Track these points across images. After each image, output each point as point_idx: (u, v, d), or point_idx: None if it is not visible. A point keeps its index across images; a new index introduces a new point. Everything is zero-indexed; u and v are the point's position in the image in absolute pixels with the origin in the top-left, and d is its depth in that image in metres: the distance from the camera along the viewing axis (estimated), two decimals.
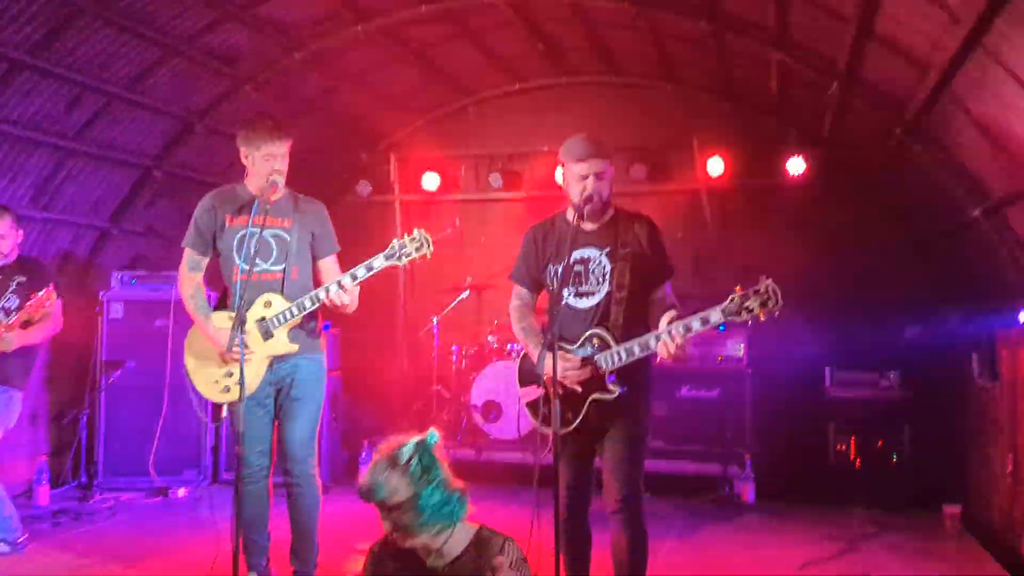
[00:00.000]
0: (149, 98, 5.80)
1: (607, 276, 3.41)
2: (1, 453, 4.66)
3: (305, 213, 3.95)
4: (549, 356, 3.10)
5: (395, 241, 3.66)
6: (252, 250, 3.64)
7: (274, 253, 3.84)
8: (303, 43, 6.08)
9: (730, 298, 3.13)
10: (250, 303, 3.73)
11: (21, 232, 4.83)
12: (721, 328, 6.21)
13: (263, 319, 3.77)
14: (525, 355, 3.61)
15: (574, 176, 3.42)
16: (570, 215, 3.50)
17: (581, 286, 3.45)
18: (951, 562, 4.79)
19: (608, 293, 3.40)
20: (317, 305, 3.77)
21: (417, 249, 3.63)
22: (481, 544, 2.48)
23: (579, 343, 3.39)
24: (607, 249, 3.45)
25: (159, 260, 6.75)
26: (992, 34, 3.51)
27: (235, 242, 3.83)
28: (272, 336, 3.77)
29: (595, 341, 3.36)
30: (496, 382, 6.62)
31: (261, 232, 3.71)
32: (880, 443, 6.04)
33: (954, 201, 5.21)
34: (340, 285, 3.69)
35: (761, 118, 7.16)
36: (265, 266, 3.81)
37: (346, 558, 4.57)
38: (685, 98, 7.43)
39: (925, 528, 5.38)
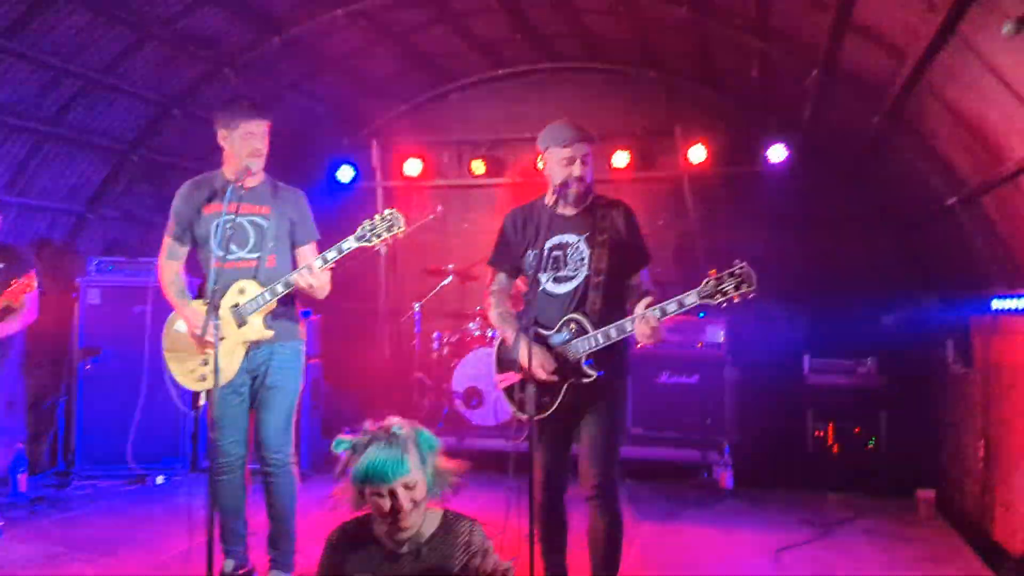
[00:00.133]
0: (126, 82, 5.73)
1: (585, 261, 3.43)
2: None
3: (284, 201, 3.92)
4: (522, 344, 3.11)
5: (366, 222, 3.63)
6: (226, 236, 3.61)
7: (250, 240, 3.81)
8: (283, 27, 6.03)
9: (705, 281, 3.16)
10: (224, 290, 3.71)
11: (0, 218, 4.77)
12: (701, 315, 6.35)
13: (236, 306, 3.75)
14: (502, 341, 3.62)
15: (559, 161, 3.43)
16: (549, 200, 3.51)
17: (559, 271, 3.46)
18: (925, 546, 4.85)
19: (586, 278, 3.42)
20: (290, 290, 3.73)
21: (388, 229, 3.60)
22: (449, 527, 2.48)
23: (556, 328, 3.40)
24: (585, 235, 3.46)
25: (137, 246, 6.69)
26: (967, 22, 3.53)
27: (211, 229, 3.80)
28: (246, 323, 3.75)
29: (572, 326, 3.38)
30: (477, 369, 6.63)
31: (236, 218, 3.68)
32: (857, 429, 6.10)
33: (931, 189, 5.25)
34: (310, 268, 3.66)
35: (743, 105, 7.18)
36: (240, 253, 3.79)
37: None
38: (667, 85, 7.44)
39: (900, 512, 5.44)
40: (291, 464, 3.87)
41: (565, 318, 3.39)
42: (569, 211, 3.51)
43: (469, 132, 7.95)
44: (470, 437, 6.53)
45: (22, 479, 5.71)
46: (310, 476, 6.11)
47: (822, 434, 6.18)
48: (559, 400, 3.36)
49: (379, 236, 3.60)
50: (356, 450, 2.40)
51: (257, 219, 3.83)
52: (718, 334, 6.36)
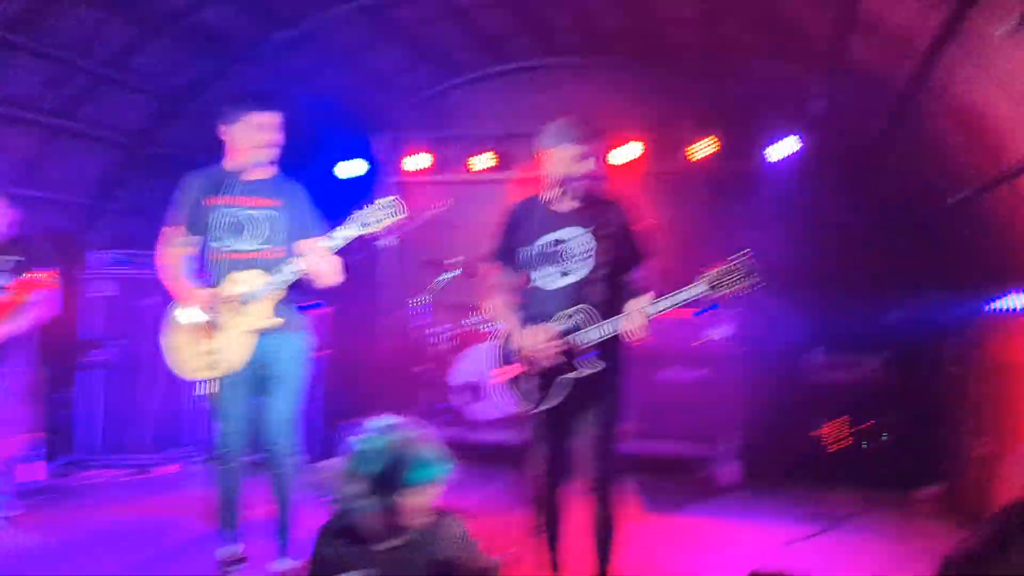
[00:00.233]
0: (134, 77, 5.78)
1: (589, 254, 3.44)
2: None
3: (289, 195, 3.94)
4: (524, 334, 3.13)
5: (365, 207, 3.65)
6: (231, 227, 3.64)
7: (255, 231, 3.83)
8: (290, 21, 6.05)
9: (710, 273, 3.17)
10: (231, 280, 3.73)
11: (12, 211, 4.76)
12: (710, 307, 6.34)
13: (243, 294, 3.76)
14: (503, 334, 3.63)
15: (569, 157, 3.43)
16: (549, 196, 3.52)
17: (560, 265, 3.47)
18: (931, 541, 4.84)
19: (588, 272, 3.43)
20: (295, 277, 3.75)
21: (389, 215, 3.62)
22: (436, 521, 2.48)
23: (560, 319, 3.41)
24: (589, 228, 3.47)
25: (145, 239, 6.71)
26: (972, 17, 3.51)
27: (216, 220, 3.83)
28: (253, 312, 3.77)
29: (578, 317, 3.39)
30: (478, 363, 6.64)
31: (241, 210, 3.71)
32: (863, 425, 6.08)
33: (936, 186, 5.23)
34: (315, 250, 3.66)
35: (750, 101, 7.14)
36: (245, 244, 3.81)
37: None
38: (674, 80, 7.40)
39: (905, 508, 5.45)
40: (295, 455, 3.90)
41: (571, 309, 3.40)
42: (570, 206, 3.53)
43: (476, 126, 7.95)
44: (470, 431, 6.55)
45: (33, 469, 5.77)
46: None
47: (830, 429, 6.17)
48: (557, 393, 3.37)
49: (379, 222, 3.61)
50: (395, 447, 2.38)
51: (262, 211, 3.85)
52: (726, 329, 6.34)
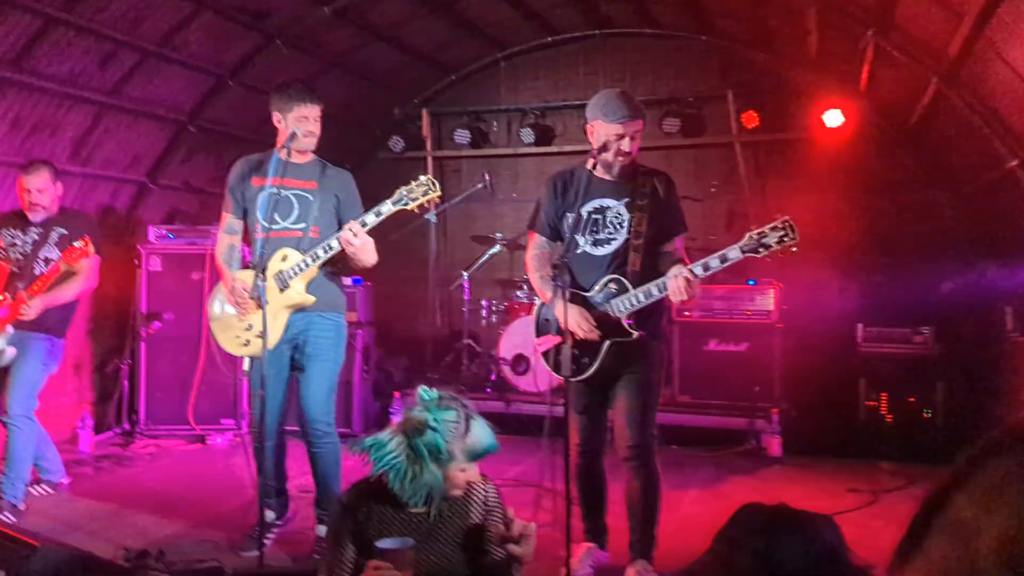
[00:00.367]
0: (182, 54, 5.87)
1: (625, 225, 3.44)
2: (47, 400, 4.84)
3: (331, 179, 4.02)
4: (564, 303, 3.15)
5: (402, 188, 3.72)
6: (273, 206, 3.72)
7: (295, 212, 3.91)
8: None
9: (748, 236, 3.16)
10: (269, 257, 3.82)
11: (60, 186, 4.90)
12: (751, 282, 6.28)
13: (280, 272, 3.84)
14: (542, 304, 3.65)
15: (609, 135, 3.43)
16: (590, 165, 3.52)
17: (599, 234, 3.48)
18: None
19: (626, 240, 3.44)
20: (332, 255, 3.81)
21: (424, 193, 3.67)
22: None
23: (596, 288, 3.42)
24: (626, 199, 3.48)
25: (195, 214, 6.89)
26: None
27: (259, 200, 3.91)
28: (288, 288, 3.85)
29: (612, 286, 3.40)
30: (525, 336, 6.65)
31: (282, 190, 3.79)
32: (912, 399, 5.97)
33: (991, 152, 5.08)
34: (351, 229, 3.70)
35: (796, 70, 7.01)
36: (285, 223, 3.89)
37: None
38: (719, 50, 7.30)
39: None
40: (330, 433, 3.97)
41: (605, 278, 3.42)
42: (610, 176, 3.53)
43: (518, 101, 7.95)
44: (516, 403, 6.60)
45: (88, 437, 5.98)
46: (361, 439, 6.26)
47: (875, 404, 6.07)
48: (598, 361, 3.39)
49: (415, 200, 3.66)
50: (445, 420, 2.32)
51: (303, 192, 3.93)
52: (768, 302, 6.27)
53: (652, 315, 3.39)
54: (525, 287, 6.93)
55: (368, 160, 8.05)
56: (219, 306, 4.02)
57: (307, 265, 3.82)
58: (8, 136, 5.39)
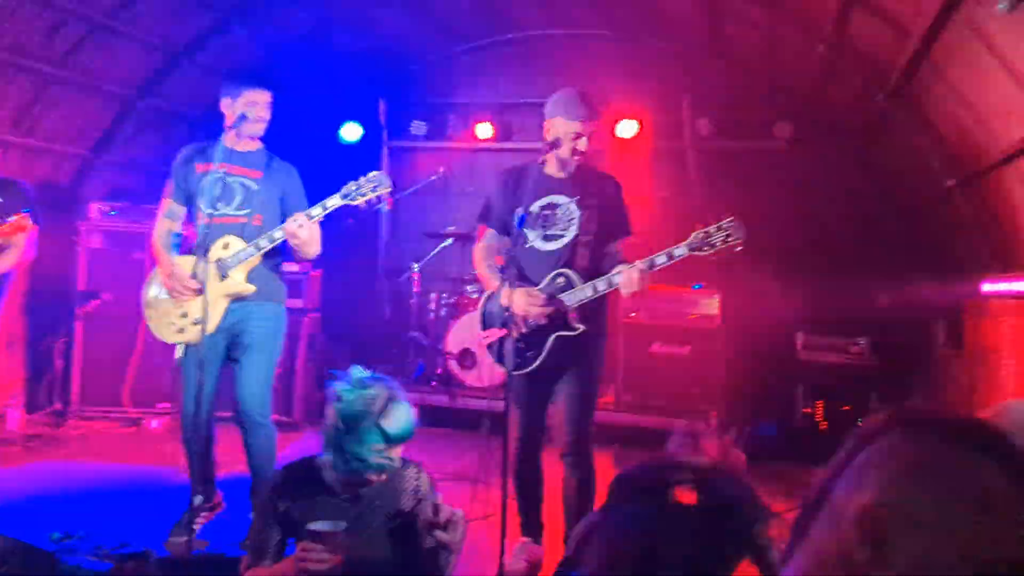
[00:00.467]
0: (133, 27, 5.74)
1: (575, 221, 3.47)
2: None
3: (276, 171, 3.97)
4: (510, 294, 3.16)
5: (351, 182, 3.69)
6: (217, 192, 3.67)
7: (238, 199, 3.85)
8: None
9: (694, 234, 3.21)
10: (211, 244, 3.75)
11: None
12: (696, 286, 6.36)
13: (220, 260, 3.78)
14: (489, 296, 3.66)
15: (565, 132, 3.45)
16: (541, 161, 3.54)
17: (548, 229, 3.51)
18: None
19: (575, 236, 3.47)
20: (274, 244, 3.76)
21: (373, 189, 3.65)
22: (396, 472, 2.46)
23: (546, 282, 3.44)
24: (576, 197, 3.51)
25: (140, 193, 6.74)
26: (968, 0, 3.51)
27: (202, 185, 3.84)
28: (228, 276, 3.79)
29: (560, 280, 3.42)
30: (472, 331, 6.65)
31: (225, 176, 3.73)
32: (847, 408, 6.12)
33: (931, 170, 5.23)
34: (295, 221, 3.65)
35: (750, 79, 7.14)
36: (227, 210, 3.83)
37: None
38: (677, 56, 7.38)
39: None
40: (264, 424, 3.90)
41: (554, 272, 3.44)
42: (561, 174, 3.56)
43: (477, 95, 7.94)
44: (462, 397, 6.60)
45: (17, 416, 5.81)
46: (304, 427, 6.21)
47: (811, 411, 6.20)
48: (543, 355, 3.40)
49: (364, 196, 3.64)
50: (366, 401, 2.35)
51: (247, 181, 3.88)
52: (713, 306, 6.36)
53: (596, 312, 3.42)
54: (475, 282, 6.92)
55: (322, 147, 7.95)
56: (155, 292, 3.93)
57: (249, 255, 3.76)
58: None
